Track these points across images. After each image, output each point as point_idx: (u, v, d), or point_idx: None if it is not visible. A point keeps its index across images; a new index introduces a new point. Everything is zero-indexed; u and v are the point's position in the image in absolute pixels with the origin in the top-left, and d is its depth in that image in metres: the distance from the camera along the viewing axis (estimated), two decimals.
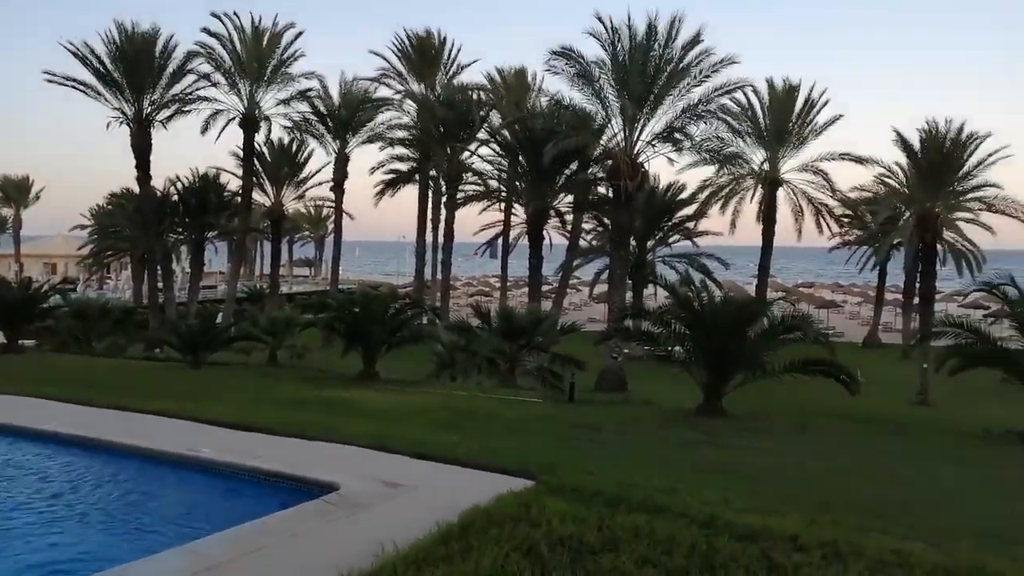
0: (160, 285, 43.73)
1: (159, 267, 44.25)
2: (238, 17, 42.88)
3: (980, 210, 33.91)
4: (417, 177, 51.32)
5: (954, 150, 32.62)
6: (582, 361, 25.28)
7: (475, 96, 47.93)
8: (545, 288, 49.60)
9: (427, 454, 9.47)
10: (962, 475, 12.72)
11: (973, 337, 19.69)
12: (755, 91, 40.62)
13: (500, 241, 47.10)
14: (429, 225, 50.85)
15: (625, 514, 6.58)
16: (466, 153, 47.33)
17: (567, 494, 7.27)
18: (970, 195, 33.50)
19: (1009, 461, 14.96)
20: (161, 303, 43.16)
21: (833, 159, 40.16)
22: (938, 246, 34.07)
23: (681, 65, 28.97)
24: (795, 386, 20.84)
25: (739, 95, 36.96)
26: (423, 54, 51.40)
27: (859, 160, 38.34)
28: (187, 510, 8.52)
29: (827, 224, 43.09)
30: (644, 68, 29.01)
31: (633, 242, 38.45)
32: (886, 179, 39.90)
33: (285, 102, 44.74)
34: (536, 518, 6.24)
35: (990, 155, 32.71)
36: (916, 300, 35.58)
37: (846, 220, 45.41)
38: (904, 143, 33.54)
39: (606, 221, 39.71)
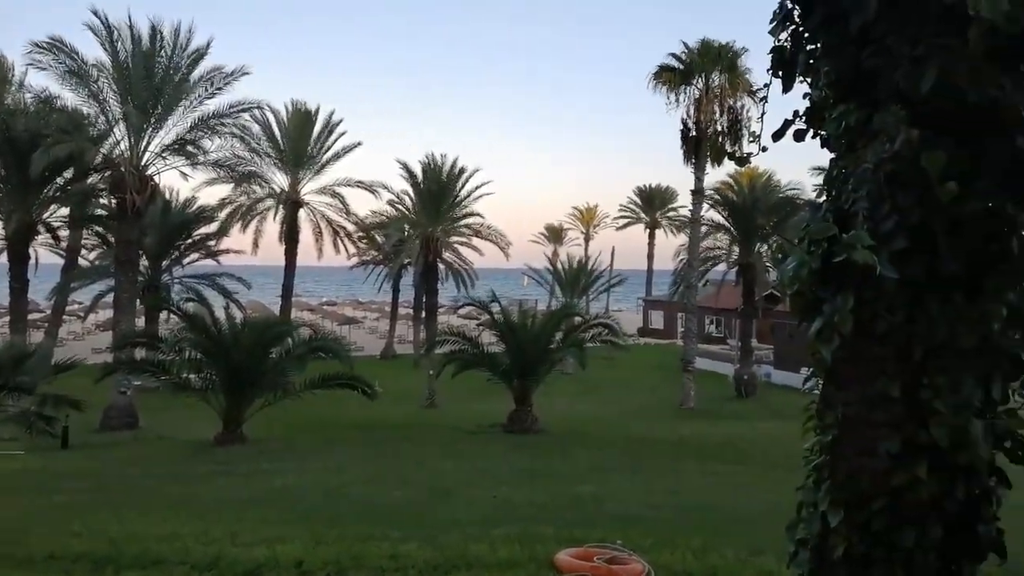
0: None
1: None
2: None
3: (471, 235, 39.60)
4: None
5: (448, 182, 37.39)
6: (79, 400, 22.06)
7: None
8: (37, 316, 42.37)
9: None
10: (459, 469, 14.38)
11: (467, 344, 22.63)
12: (275, 113, 40.96)
13: None
14: None
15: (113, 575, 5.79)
16: None
17: (38, 565, 6.12)
18: (462, 222, 38.88)
19: (494, 450, 17.44)
20: None
21: (350, 185, 42.51)
22: (440, 265, 38.54)
23: (192, 75, 27.54)
24: (325, 402, 21.34)
25: (263, 115, 36.77)
26: None
27: (370, 188, 41.30)
28: None
29: (345, 245, 45.36)
30: (150, 74, 26.83)
31: (146, 262, 35.18)
32: (396, 205, 43.66)
33: None
34: None
35: (477, 188, 38.33)
36: (424, 314, 39.63)
37: (363, 241, 48.40)
38: (409, 173, 37.35)
39: (111, 238, 35.53)
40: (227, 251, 42.77)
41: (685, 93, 29.63)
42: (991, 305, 3.03)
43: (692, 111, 29.28)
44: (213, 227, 41.10)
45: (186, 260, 40.60)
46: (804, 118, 3.61)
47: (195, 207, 39.90)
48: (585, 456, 16.47)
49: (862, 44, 3.17)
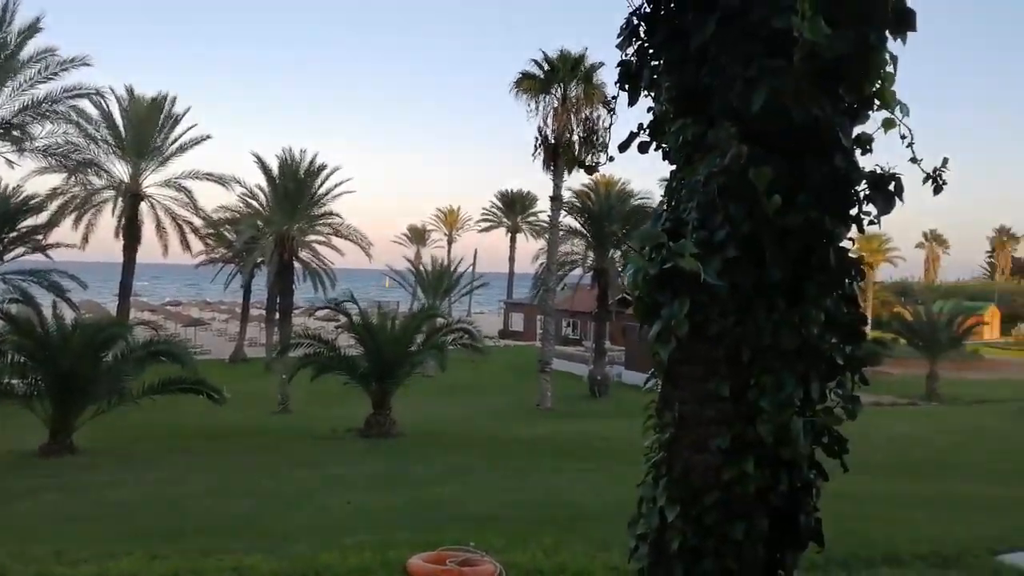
0: None
1: None
2: None
3: (330, 234, 38.54)
4: None
5: (307, 179, 36.25)
6: None
7: None
8: None
9: None
10: (312, 476, 13.96)
11: (323, 347, 22.02)
12: (120, 100, 38.11)
13: None
14: None
15: None
16: None
17: None
18: (321, 220, 37.78)
19: (350, 455, 17.08)
20: None
21: (198, 177, 40.21)
22: (296, 264, 37.28)
23: (20, 53, 25.17)
24: (169, 409, 20.08)
25: (104, 102, 34.11)
26: None
27: (220, 181, 39.31)
28: None
29: (192, 242, 42.94)
30: None
31: None
32: (249, 200, 41.81)
33: None
34: None
35: (336, 186, 37.38)
36: (278, 315, 38.20)
37: (212, 238, 46.02)
38: (264, 168, 35.91)
39: None
40: (56, 245, 39.33)
41: (544, 101, 30.33)
42: (811, 311, 3.29)
43: (550, 119, 30.01)
44: (43, 218, 37.72)
45: (9, 256, 37.02)
46: (648, 131, 3.78)
47: (21, 197, 36.48)
48: (443, 458, 16.45)
49: (701, 62, 3.35)
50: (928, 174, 3.19)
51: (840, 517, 7.99)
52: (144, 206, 41.01)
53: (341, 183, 37.30)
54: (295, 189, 35.61)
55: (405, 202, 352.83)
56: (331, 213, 37.74)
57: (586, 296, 39.09)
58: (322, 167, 36.77)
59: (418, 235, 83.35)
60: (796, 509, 3.50)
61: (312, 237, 38.13)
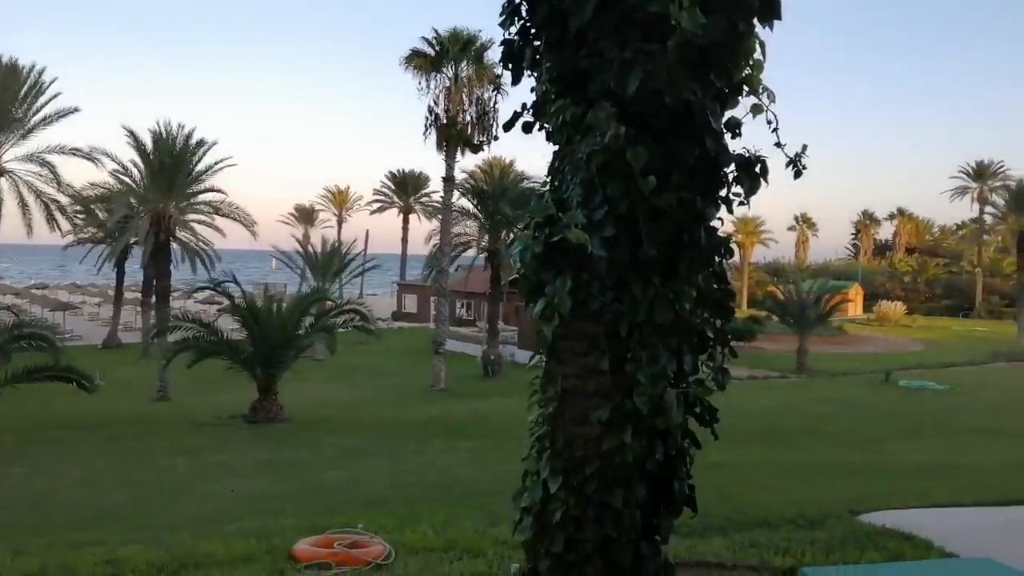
0: None
1: None
2: None
3: (211, 213, 36.77)
4: None
5: (184, 153, 34.45)
6: None
7: None
8: None
9: None
10: (194, 465, 13.44)
11: (204, 331, 21.14)
12: None
13: None
14: None
15: None
16: None
17: None
18: (200, 198, 36.02)
19: (234, 442, 16.54)
20: None
21: (64, 152, 37.49)
22: (174, 245, 35.45)
23: None
24: (36, 398, 18.82)
25: None
26: None
27: (89, 156, 36.83)
28: None
29: (58, 221, 40.09)
30: None
31: None
32: (122, 177, 39.40)
33: None
34: None
35: (217, 162, 35.66)
36: (154, 298, 36.30)
37: (81, 217, 43.14)
38: (137, 142, 33.85)
39: None
40: None
41: (436, 80, 30.01)
42: (684, 287, 3.44)
43: (442, 99, 29.75)
44: None
45: None
46: (532, 111, 3.82)
47: None
48: (333, 442, 16.19)
49: (580, 44, 3.41)
50: (790, 159, 3.39)
51: (717, 485, 8.44)
52: (4, 182, 38.00)
53: (222, 160, 35.65)
54: (171, 165, 33.80)
55: (293, 182, 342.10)
56: (212, 190, 36.06)
57: (480, 277, 39.24)
58: (201, 142, 35.05)
59: (306, 215, 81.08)
60: (671, 476, 3.68)
61: (191, 216, 36.37)
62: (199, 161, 34.76)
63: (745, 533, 6.76)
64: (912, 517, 7.32)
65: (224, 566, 5.71)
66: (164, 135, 33.78)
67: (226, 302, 22.27)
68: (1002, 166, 66.30)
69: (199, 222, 36.61)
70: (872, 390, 26.23)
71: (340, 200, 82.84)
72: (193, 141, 34.49)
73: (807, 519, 7.25)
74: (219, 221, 37.43)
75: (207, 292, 27.47)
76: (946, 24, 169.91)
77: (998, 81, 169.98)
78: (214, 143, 35.32)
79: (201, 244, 37.94)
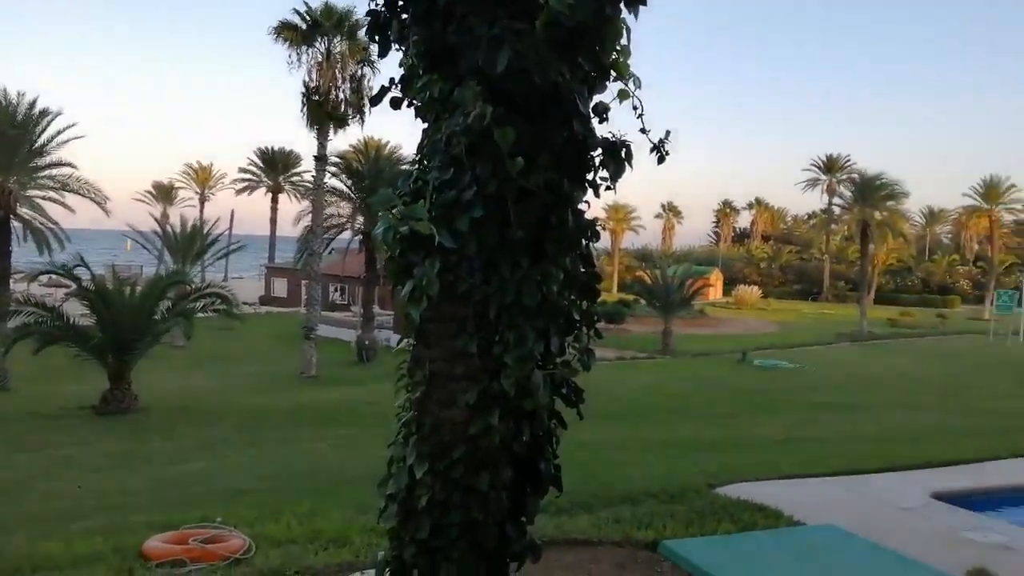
0: None
1: None
2: None
3: (58, 189, 33.86)
4: None
5: (27, 123, 31.56)
6: None
7: None
8: None
9: None
10: (35, 460, 12.41)
11: (48, 316, 19.54)
12: None
13: None
14: None
15: None
16: None
17: None
18: (45, 172, 33.11)
19: (82, 435, 15.41)
20: None
21: None
22: (15, 223, 32.50)
23: None
24: None
25: None
26: None
27: None
28: None
29: None
30: None
31: None
32: None
33: None
34: None
35: (60, 132, 32.82)
36: None
37: None
38: None
39: None
40: None
41: (308, 55, 28.92)
42: (551, 269, 3.44)
43: (315, 74, 28.72)
44: None
45: None
46: (400, 86, 3.69)
47: None
48: (193, 433, 15.41)
49: (448, 19, 3.32)
50: (654, 144, 3.45)
51: (584, 463, 8.66)
52: None
53: (67, 128, 32.83)
54: (13, 136, 30.89)
55: (151, 157, 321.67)
56: (59, 164, 33.25)
57: (355, 260, 38.37)
58: (45, 111, 32.23)
59: (165, 193, 76.33)
60: (538, 457, 3.70)
61: (34, 192, 33.43)
62: (43, 132, 31.98)
63: (610, 509, 6.96)
64: (764, 488, 7.80)
65: (66, 568, 5.31)
66: (3, 103, 30.83)
67: (74, 285, 20.66)
68: (849, 160, 71.63)
69: (44, 198, 33.74)
70: (730, 369, 27.75)
71: (202, 178, 78.67)
72: (36, 111, 31.70)
73: (668, 494, 7.56)
74: (69, 199, 34.63)
75: (51, 274, 25.30)
76: (802, 24, 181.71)
77: (847, 78, 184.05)
78: (59, 112, 32.52)
79: (46, 222, 35.03)
